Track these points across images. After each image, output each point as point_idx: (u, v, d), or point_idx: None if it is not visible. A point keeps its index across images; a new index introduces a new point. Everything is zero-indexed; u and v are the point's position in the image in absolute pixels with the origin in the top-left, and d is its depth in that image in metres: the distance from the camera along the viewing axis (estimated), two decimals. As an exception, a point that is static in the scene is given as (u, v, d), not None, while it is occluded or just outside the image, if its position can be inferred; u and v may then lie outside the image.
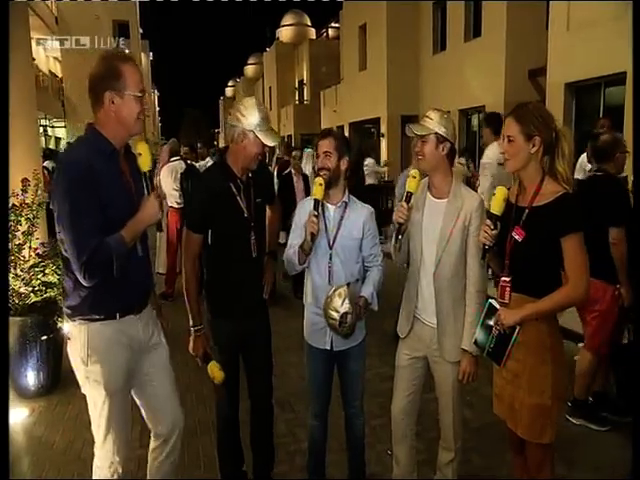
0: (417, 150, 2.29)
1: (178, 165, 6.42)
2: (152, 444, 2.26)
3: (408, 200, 2.23)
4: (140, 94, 1.95)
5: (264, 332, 2.60)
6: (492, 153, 5.33)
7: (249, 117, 2.31)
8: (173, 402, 2.24)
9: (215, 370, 2.37)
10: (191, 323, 2.44)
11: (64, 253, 1.94)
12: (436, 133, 2.23)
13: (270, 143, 2.36)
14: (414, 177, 2.23)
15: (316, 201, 2.27)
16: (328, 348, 2.42)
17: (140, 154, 1.98)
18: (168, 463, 2.26)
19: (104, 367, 1.99)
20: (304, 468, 2.71)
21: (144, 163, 1.99)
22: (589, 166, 4.91)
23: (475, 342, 2.18)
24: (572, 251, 1.92)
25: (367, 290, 2.40)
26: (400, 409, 2.43)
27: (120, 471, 2.07)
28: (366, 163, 9.61)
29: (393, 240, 2.30)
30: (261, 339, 2.58)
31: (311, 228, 2.24)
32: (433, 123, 2.24)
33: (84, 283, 1.89)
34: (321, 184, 2.28)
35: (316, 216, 2.25)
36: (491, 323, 2.09)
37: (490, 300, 2.13)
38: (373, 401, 3.42)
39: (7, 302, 2.81)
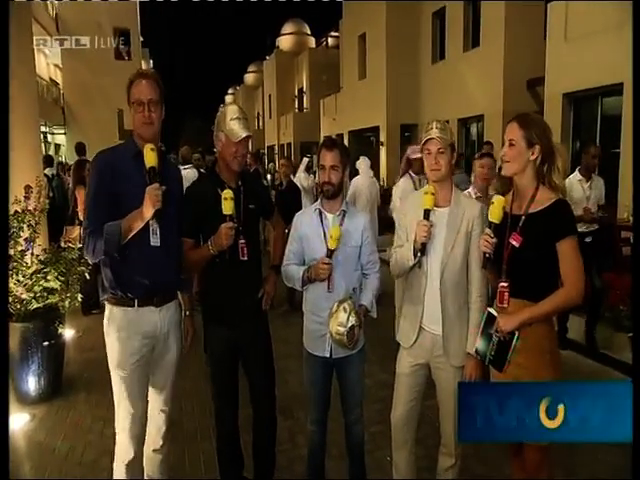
0: (434, 162, 2.26)
1: (191, 173, 5.92)
2: None
3: (427, 217, 2.22)
4: (136, 101, 2.15)
5: (261, 340, 2.57)
6: None
7: (220, 122, 2.41)
8: (157, 410, 2.37)
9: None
10: (210, 248, 2.32)
11: None
12: (451, 144, 2.27)
13: (236, 137, 2.35)
14: (432, 194, 2.21)
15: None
16: (327, 356, 2.44)
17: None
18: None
19: (116, 351, 2.19)
20: (304, 475, 2.72)
21: (148, 161, 2.12)
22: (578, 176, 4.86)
23: (476, 351, 2.18)
24: (568, 254, 1.99)
25: (366, 298, 2.42)
26: (401, 416, 2.43)
27: (131, 454, 2.24)
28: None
29: (412, 258, 2.24)
30: (258, 347, 2.55)
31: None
32: (447, 133, 2.26)
33: (86, 257, 2.22)
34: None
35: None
36: (491, 331, 2.10)
37: (489, 309, 2.16)
38: (372, 408, 3.43)
39: (7, 307, 2.94)
